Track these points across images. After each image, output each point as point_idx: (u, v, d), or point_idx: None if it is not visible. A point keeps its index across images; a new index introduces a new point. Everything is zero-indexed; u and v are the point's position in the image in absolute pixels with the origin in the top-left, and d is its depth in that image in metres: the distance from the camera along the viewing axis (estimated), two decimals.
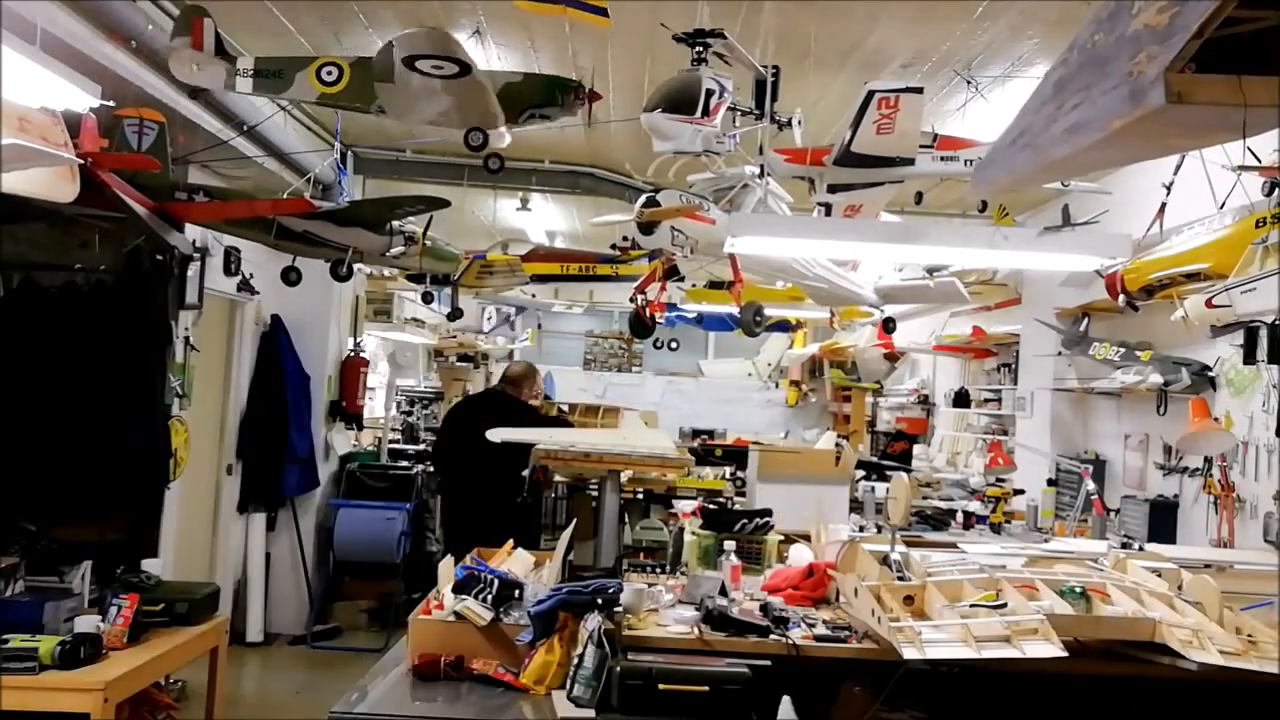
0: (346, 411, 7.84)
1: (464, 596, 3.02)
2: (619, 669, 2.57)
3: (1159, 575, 3.25)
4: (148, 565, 4.43)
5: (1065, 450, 7.57)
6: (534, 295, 10.07)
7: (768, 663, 2.79)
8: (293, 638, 7.25)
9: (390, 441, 8.87)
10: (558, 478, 6.93)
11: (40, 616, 3.58)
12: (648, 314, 5.56)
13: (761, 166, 4.64)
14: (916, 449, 10.40)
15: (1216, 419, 5.53)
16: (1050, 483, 6.86)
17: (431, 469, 7.71)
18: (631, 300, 5.62)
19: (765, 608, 3.26)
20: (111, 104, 4.11)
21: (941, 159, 4.91)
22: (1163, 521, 6.07)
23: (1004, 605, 2.87)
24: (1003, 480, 7.22)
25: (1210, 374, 5.86)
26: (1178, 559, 3.65)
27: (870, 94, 4.19)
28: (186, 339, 5.64)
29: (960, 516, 5.99)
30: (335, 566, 7.53)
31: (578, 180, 7.73)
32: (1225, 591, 3.03)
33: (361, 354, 8.09)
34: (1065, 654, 2.62)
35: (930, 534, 5.56)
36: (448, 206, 5.11)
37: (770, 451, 5.67)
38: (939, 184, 5.91)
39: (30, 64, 3.26)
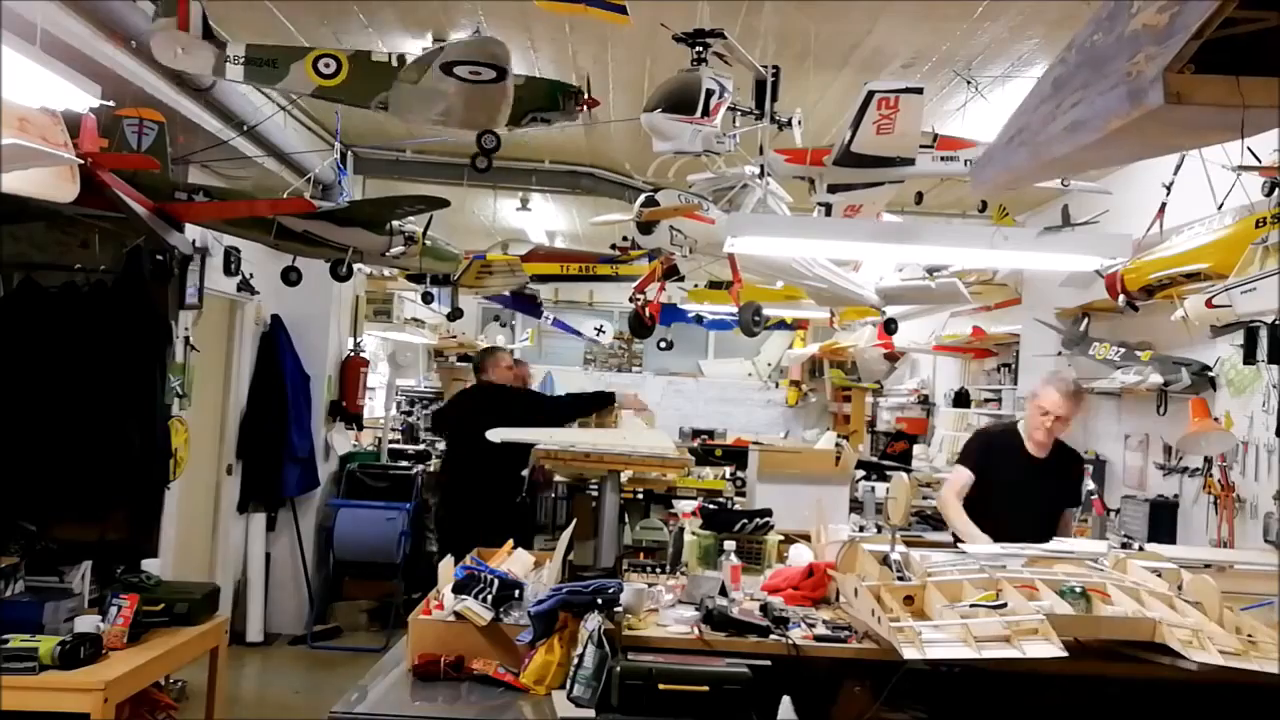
0: (346, 411, 7.84)
1: (464, 596, 3.02)
2: (619, 669, 2.57)
3: (1159, 575, 3.25)
4: (148, 565, 4.42)
5: None
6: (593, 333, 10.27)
7: (768, 663, 2.80)
8: (293, 638, 7.25)
9: (390, 441, 8.87)
10: (558, 478, 6.94)
11: (40, 616, 3.58)
12: (647, 314, 5.56)
13: (761, 166, 4.64)
14: (916, 449, 10.39)
15: (1216, 419, 5.53)
16: None
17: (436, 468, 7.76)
18: (631, 300, 5.62)
19: (765, 608, 3.26)
20: (111, 104, 4.10)
21: (941, 159, 4.91)
22: (1163, 521, 6.07)
23: (1004, 605, 2.87)
24: None
25: (1210, 374, 5.85)
26: (1178, 559, 3.64)
27: (870, 94, 4.19)
28: (186, 339, 5.64)
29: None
30: (335, 566, 7.53)
31: (578, 180, 7.73)
32: (1225, 591, 3.03)
33: (361, 354, 8.09)
34: (1065, 654, 2.62)
35: (930, 534, 5.56)
36: (447, 206, 5.10)
37: (770, 451, 5.67)
38: (939, 184, 5.91)
39: (30, 64, 3.25)
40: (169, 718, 4.22)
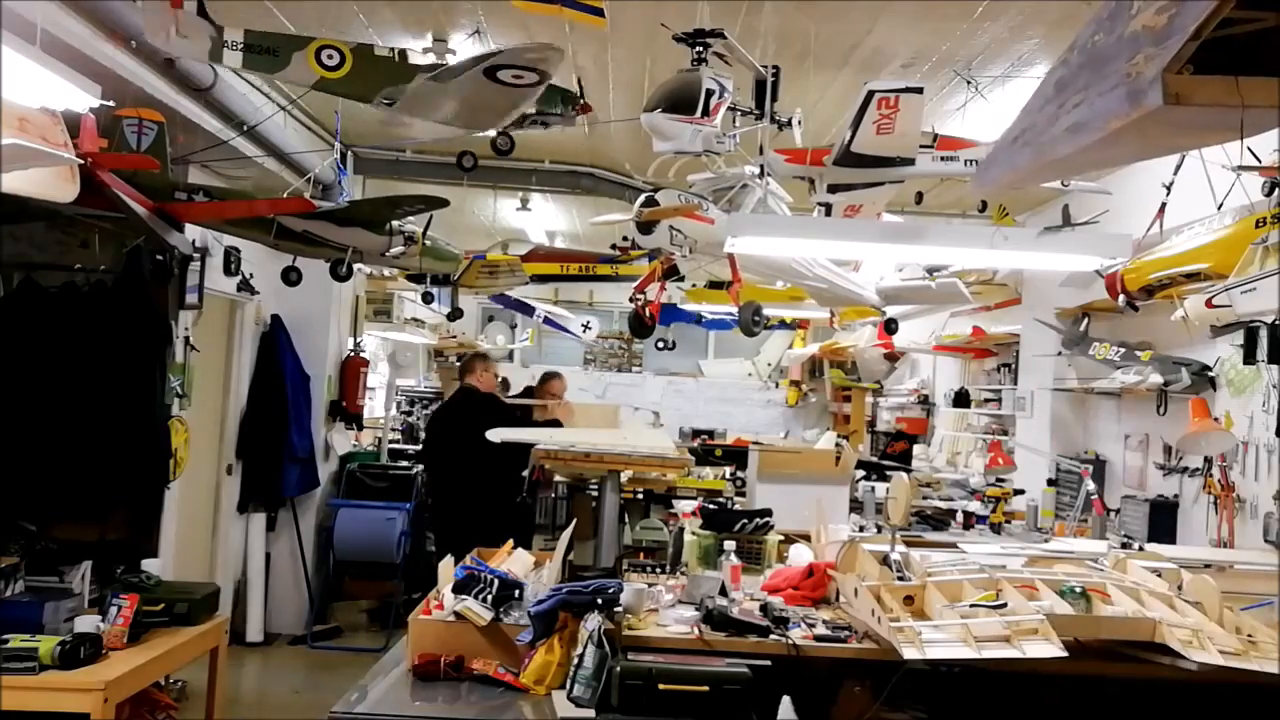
0: (346, 411, 7.84)
1: (464, 596, 3.02)
2: (619, 669, 2.57)
3: (1159, 575, 3.25)
4: (148, 565, 4.43)
5: (1065, 450, 7.57)
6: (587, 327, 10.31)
7: (768, 663, 2.80)
8: (293, 638, 7.25)
9: (390, 441, 8.88)
10: (558, 478, 6.94)
11: (40, 616, 3.59)
12: (647, 314, 5.56)
13: (761, 166, 4.64)
14: (916, 449, 10.40)
15: (1216, 419, 5.53)
16: (1050, 483, 6.86)
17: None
18: (631, 300, 5.62)
19: (765, 608, 3.26)
20: (111, 104, 4.10)
21: (941, 159, 4.91)
22: (1163, 521, 6.08)
23: (1004, 605, 2.88)
24: (1003, 480, 7.22)
25: (1210, 374, 5.86)
26: (1178, 559, 3.65)
27: (870, 94, 4.19)
28: (186, 339, 5.64)
29: (960, 516, 5.99)
30: (335, 566, 7.53)
31: (578, 180, 7.73)
32: (1225, 591, 3.04)
33: (361, 354, 8.09)
34: (1065, 654, 2.62)
35: (930, 534, 5.56)
36: (447, 206, 5.11)
37: (770, 451, 5.67)
38: (939, 184, 5.91)
39: (30, 64, 3.25)
40: (169, 718, 4.22)
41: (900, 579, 3.09)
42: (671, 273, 5.60)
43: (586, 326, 10.32)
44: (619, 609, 2.97)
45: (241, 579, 7.07)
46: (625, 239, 6.78)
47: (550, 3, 3.72)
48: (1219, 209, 4.77)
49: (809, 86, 5.47)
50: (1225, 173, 4.53)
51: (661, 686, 2.54)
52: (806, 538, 4.24)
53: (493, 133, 4.70)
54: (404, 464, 8.15)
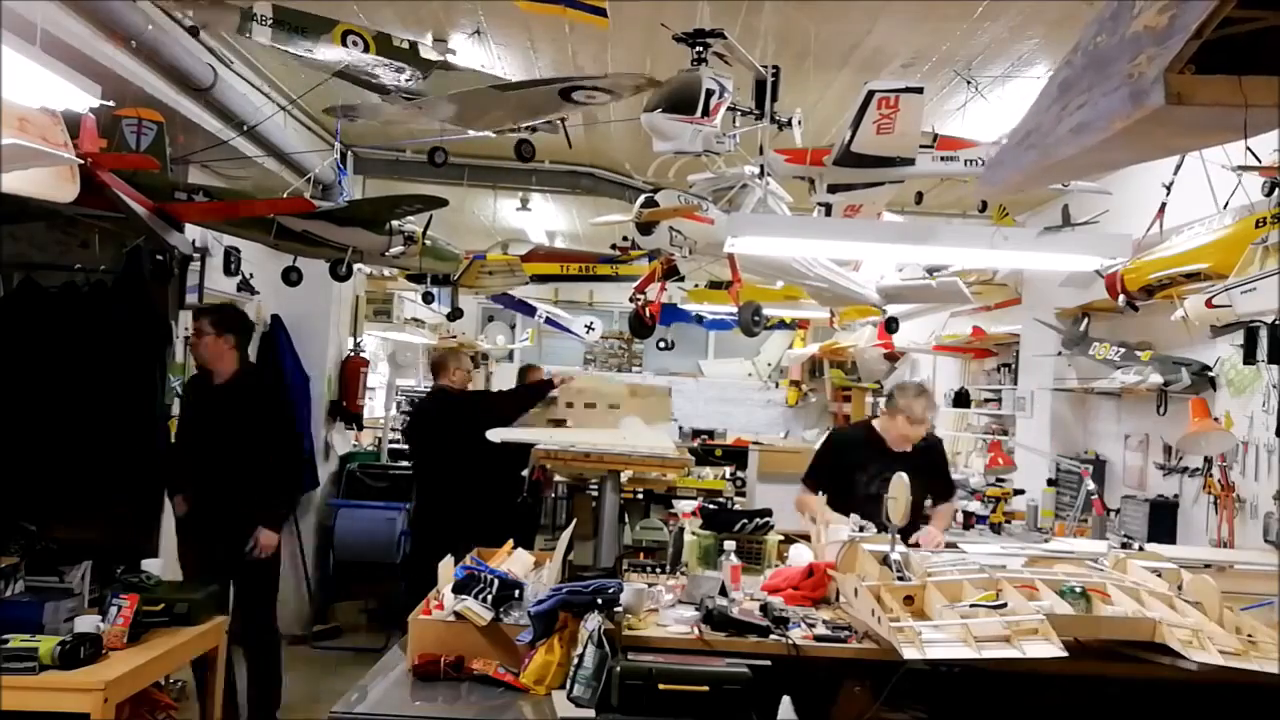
0: (346, 411, 7.84)
1: (464, 596, 3.02)
2: (619, 669, 2.57)
3: (1159, 575, 3.25)
4: (148, 565, 4.42)
5: (1065, 450, 7.57)
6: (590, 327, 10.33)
7: (768, 663, 2.80)
8: (293, 638, 7.24)
9: (390, 441, 8.87)
10: (558, 478, 6.95)
11: (40, 616, 3.58)
12: (647, 314, 5.56)
13: (761, 166, 4.64)
14: None
15: (1216, 419, 5.53)
16: (1050, 483, 6.87)
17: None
18: (631, 300, 5.62)
19: (765, 608, 3.26)
20: (111, 104, 4.10)
21: (941, 159, 4.91)
22: (1163, 521, 6.07)
23: (1004, 605, 2.87)
24: (1003, 480, 7.23)
25: (1210, 374, 5.86)
26: (1178, 559, 3.64)
27: (870, 94, 4.19)
28: (186, 339, 5.64)
29: (960, 516, 5.99)
30: (335, 566, 7.52)
31: (578, 180, 7.72)
32: (1225, 591, 3.04)
33: (361, 354, 8.09)
34: (1065, 654, 2.62)
35: None
36: (447, 206, 5.11)
37: (770, 451, 5.67)
38: (939, 184, 5.91)
39: (30, 64, 3.25)
40: (169, 718, 4.22)
41: (900, 579, 3.09)
42: (671, 273, 5.60)
43: (589, 327, 10.33)
44: (619, 609, 2.97)
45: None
46: (625, 239, 6.79)
47: (553, 3, 3.73)
48: (1224, 208, 4.77)
49: (809, 86, 5.47)
50: (1225, 173, 4.53)
51: (661, 686, 2.54)
52: (806, 538, 4.24)
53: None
54: (404, 464, 8.13)
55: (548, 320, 9.76)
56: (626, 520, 5.11)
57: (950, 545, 4.30)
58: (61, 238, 4.94)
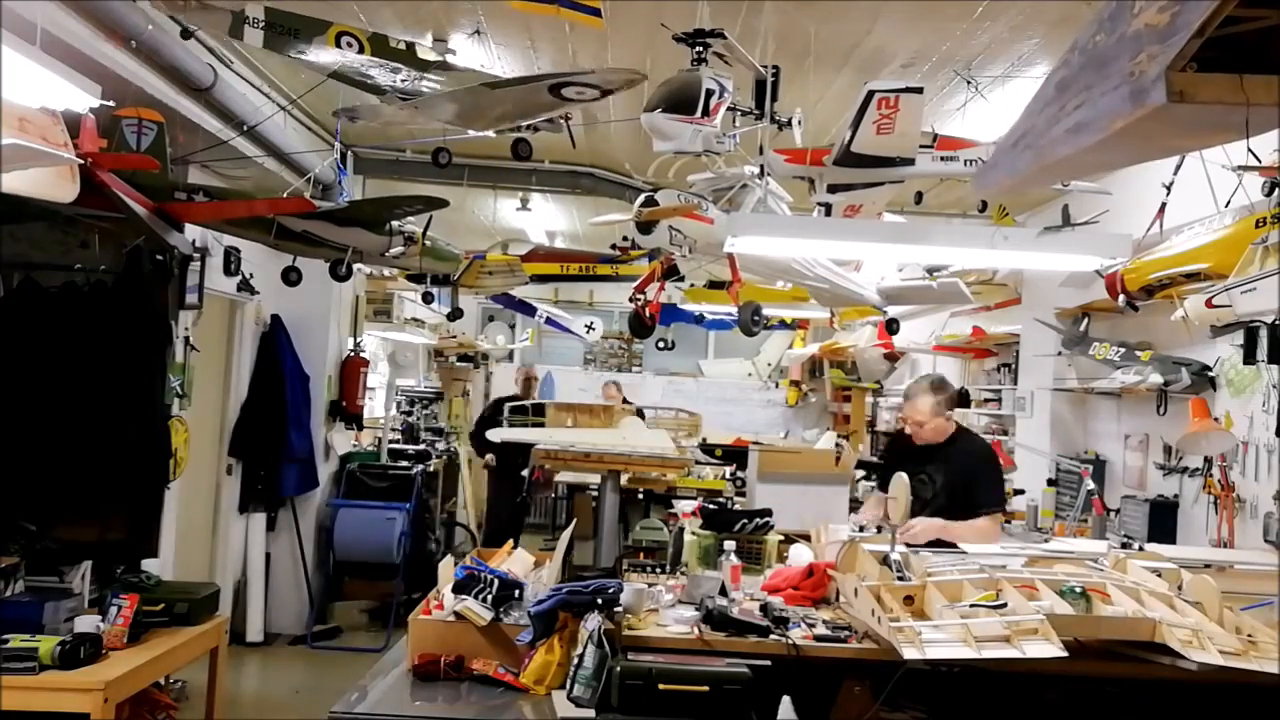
0: (346, 411, 7.84)
1: (464, 596, 3.02)
2: (619, 669, 2.57)
3: (1159, 575, 3.24)
4: (148, 565, 4.43)
5: (1065, 450, 7.57)
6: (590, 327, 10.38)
7: (768, 663, 2.79)
8: (293, 638, 7.24)
9: (390, 441, 8.87)
10: (559, 477, 6.95)
11: (40, 616, 3.58)
12: (647, 314, 5.56)
13: (761, 166, 4.64)
14: None
15: (1216, 419, 5.53)
16: (1050, 483, 6.87)
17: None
18: (631, 300, 5.62)
19: (765, 608, 3.26)
20: (111, 104, 4.09)
21: (941, 159, 4.91)
22: (1163, 521, 6.07)
23: (1004, 605, 2.87)
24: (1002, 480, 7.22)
25: (1210, 374, 5.86)
26: (1178, 559, 3.64)
27: (870, 94, 4.19)
28: (186, 339, 5.63)
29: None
30: (335, 566, 7.52)
31: (578, 180, 7.72)
32: (1225, 591, 3.03)
33: (361, 354, 8.09)
34: (1065, 654, 2.61)
35: None
36: (446, 206, 5.10)
37: (770, 451, 5.67)
38: (939, 184, 5.91)
39: (30, 64, 3.25)
40: (169, 718, 4.22)
41: (900, 579, 3.09)
42: (671, 273, 5.60)
43: (590, 327, 10.33)
44: (619, 609, 2.97)
45: (241, 579, 7.06)
46: (625, 239, 6.79)
47: (548, 3, 3.73)
48: (1219, 209, 4.77)
49: (809, 86, 5.47)
50: (1225, 173, 4.53)
51: (661, 686, 2.54)
52: (806, 538, 4.24)
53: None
54: (404, 464, 8.15)
55: (548, 320, 9.76)
56: (626, 520, 5.10)
57: (950, 545, 4.29)
58: (61, 238, 4.92)
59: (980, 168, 4.64)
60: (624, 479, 4.61)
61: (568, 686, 2.64)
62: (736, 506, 5.02)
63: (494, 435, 4.71)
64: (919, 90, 4.21)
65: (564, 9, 3.74)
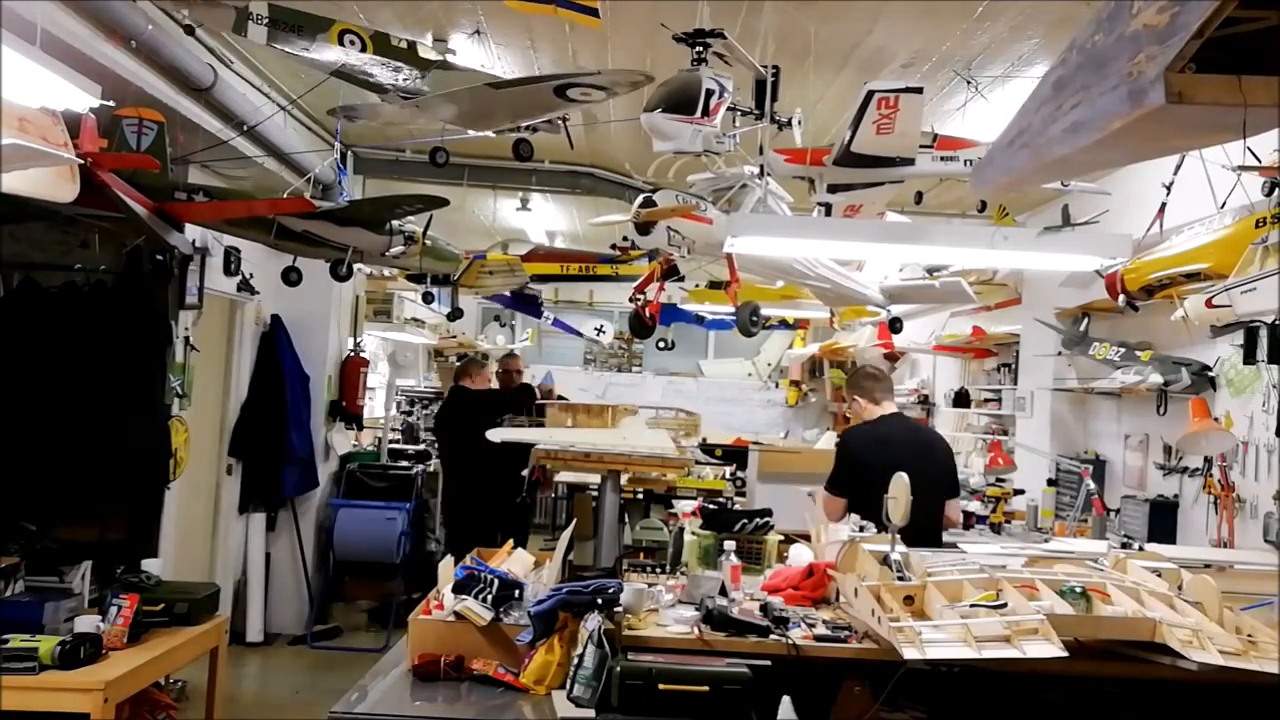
0: (346, 411, 7.84)
1: (464, 596, 3.02)
2: (619, 669, 2.57)
3: (1159, 575, 3.24)
4: (148, 565, 4.43)
5: (1065, 450, 7.57)
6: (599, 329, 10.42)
7: (768, 663, 2.80)
8: (293, 638, 7.25)
9: (390, 441, 8.87)
10: (559, 477, 6.95)
11: (40, 616, 3.58)
12: (647, 314, 5.56)
13: (761, 166, 4.64)
14: None
15: (1216, 419, 5.53)
16: (1050, 483, 6.87)
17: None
18: (630, 300, 5.61)
19: (765, 608, 3.26)
20: (111, 104, 4.10)
21: (941, 159, 4.91)
22: (1163, 521, 6.08)
23: (1004, 605, 2.87)
24: (1003, 480, 7.22)
25: (1210, 374, 5.86)
26: (1178, 559, 3.64)
27: (870, 94, 4.19)
28: (186, 339, 5.64)
29: (960, 515, 5.98)
30: (335, 566, 7.52)
31: (578, 180, 7.73)
32: (1225, 591, 3.03)
33: (361, 354, 8.09)
34: (1065, 654, 2.61)
35: None
36: (447, 206, 5.10)
37: (770, 451, 5.67)
38: (939, 184, 5.91)
39: (30, 64, 3.25)
40: (169, 718, 4.22)
41: (900, 579, 3.08)
42: (671, 273, 5.60)
43: (600, 330, 10.32)
44: (619, 609, 2.97)
45: (241, 579, 7.07)
46: (625, 239, 6.79)
47: (545, 3, 3.73)
48: (1219, 209, 4.77)
49: (809, 86, 5.47)
50: (1225, 173, 4.53)
51: (661, 686, 2.54)
52: (806, 538, 4.24)
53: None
54: (404, 464, 8.15)
55: (555, 322, 9.76)
56: (626, 520, 5.10)
57: (950, 545, 4.29)
58: (61, 238, 4.93)
59: (976, 166, 4.64)
60: (624, 479, 4.60)
61: (568, 686, 2.64)
62: (736, 506, 5.02)
63: (494, 435, 4.70)
64: (919, 90, 4.21)
65: (561, 9, 3.74)
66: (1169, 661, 2.82)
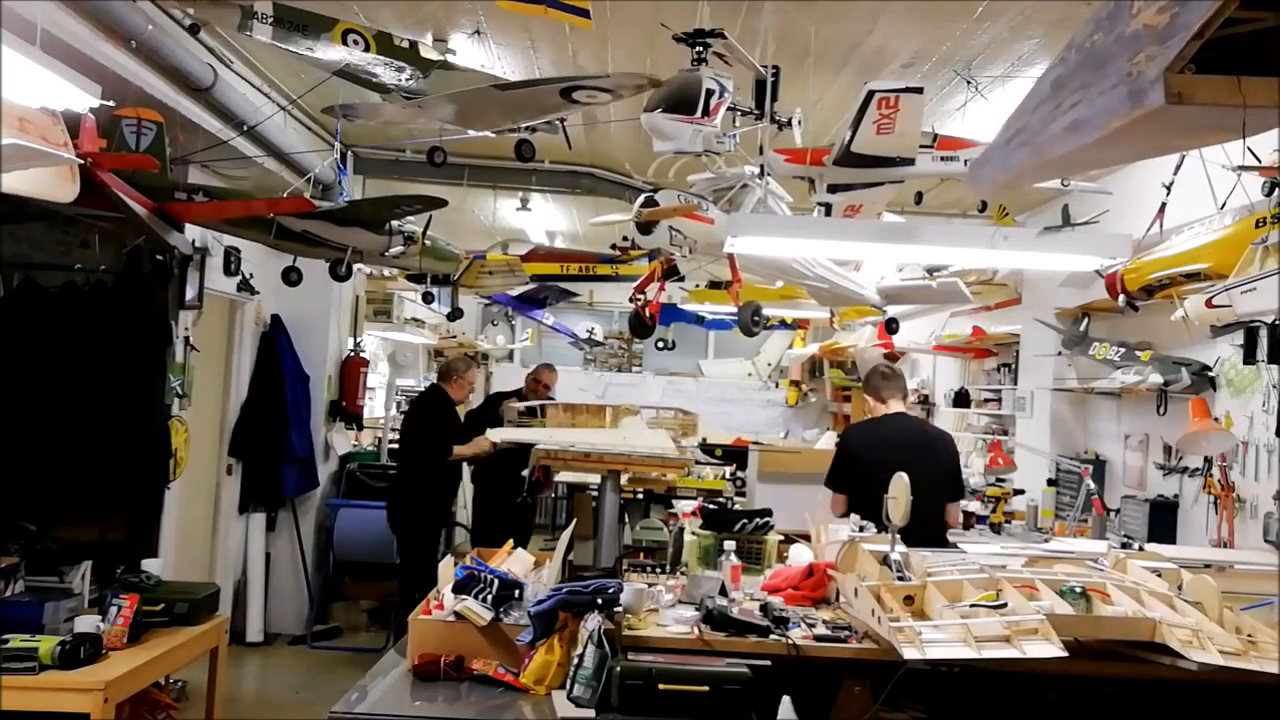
0: (346, 411, 7.84)
1: (464, 596, 3.02)
2: (619, 669, 2.57)
3: (1159, 575, 3.24)
4: (148, 565, 4.42)
5: (1065, 450, 7.57)
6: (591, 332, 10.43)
7: (768, 663, 2.80)
8: (293, 638, 7.25)
9: (390, 441, 8.87)
10: (559, 477, 6.95)
11: (40, 616, 3.58)
12: (647, 314, 5.56)
13: (761, 166, 4.64)
14: None
15: (1216, 419, 5.53)
16: (1050, 483, 6.87)
17: None
18: (631, 300, 5.61)
19: (765, 608, 3.26)
20: (111, 104, 4.10)
21: (941, 159, 4.91)
22: (1163, 521, 6.07)
23: (1004, 605, 2.87)
24: (1003, 480, 7.22)
25: (1210, 374, 5.86)
26: (1178, 559, 3.64)
27: (870, 94, 4.19)
28: (186, 339, 5.64)
29: (960, 516, 5.98)
30: (335, 566, 7.52)
31: (578, 180, 7.72)
32: (1225, 591, 3.03)
33: (361, 354, 8.09)
34: (1065, 654, 2.61)
35: None
36: (446, 206, 5.10)
37: (770, 451, 5.67)
38: (939, 184, 5.91)
39: (30, 64, 3.25)
40: (169, 718, 4.22)
41: (900, 579, 3.08)
42: (671, 273, 5.60)
43: (591, 332, 10.35)
44: (619, 609, 2.97)
45: (241, 579, 7.07)
46: (625, 239, 6.79)
47: (535, 4, 3.73)
48: (1219, 209, 4.77)
49: (809, 86, 5.47)
50: (1225, 173, 4.53)
51: (661, 686, 2.54)
52: (806, 538, 4.24)
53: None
54: None
55: (555, 325, 9.79)
56: (626, 520, 5.10)
57: (950, 545, 4.29)
58: (61, 238, 4.93)
59: (973, 164, 4.64)
60: (624, 479, 4.60)
61: (568, 686, 2.64)
62: (736, 506, 5.02)
63: (494, 435, 4.70)
64: (919, 90, 4.21)
65: (551, 9, 3.74)
66: (1169, 661, 2.82)
